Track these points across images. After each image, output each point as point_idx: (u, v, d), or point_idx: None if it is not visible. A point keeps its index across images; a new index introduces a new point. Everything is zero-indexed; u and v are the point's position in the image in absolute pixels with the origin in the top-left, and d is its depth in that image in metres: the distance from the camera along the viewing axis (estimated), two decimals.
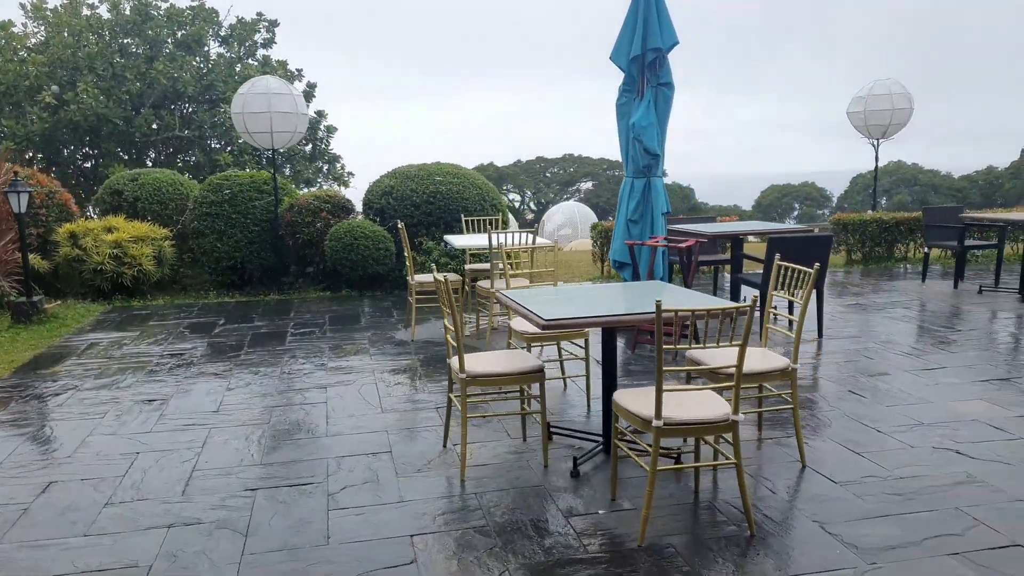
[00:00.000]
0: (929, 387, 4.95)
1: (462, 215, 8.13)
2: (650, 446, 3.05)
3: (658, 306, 2.88)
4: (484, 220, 7.83)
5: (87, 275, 8.67)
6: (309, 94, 25.19)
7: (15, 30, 19.99)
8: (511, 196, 60.88)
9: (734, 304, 3.00)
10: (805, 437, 4.12)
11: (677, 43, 6.52)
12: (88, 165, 22.02)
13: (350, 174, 26.67)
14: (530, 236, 6.12)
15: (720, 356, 3.80)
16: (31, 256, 8.46)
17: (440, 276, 3.67)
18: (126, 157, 21.56)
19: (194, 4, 22.75)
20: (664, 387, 3.14)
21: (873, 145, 11.15)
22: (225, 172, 10.01)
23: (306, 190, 18.04)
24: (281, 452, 4.01)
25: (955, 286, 8.45)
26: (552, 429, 4.24)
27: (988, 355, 5.68)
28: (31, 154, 19.82)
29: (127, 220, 9.50)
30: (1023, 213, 8.91)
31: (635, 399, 3.18)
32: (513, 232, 6.17)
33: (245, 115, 8.68)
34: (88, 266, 8.64)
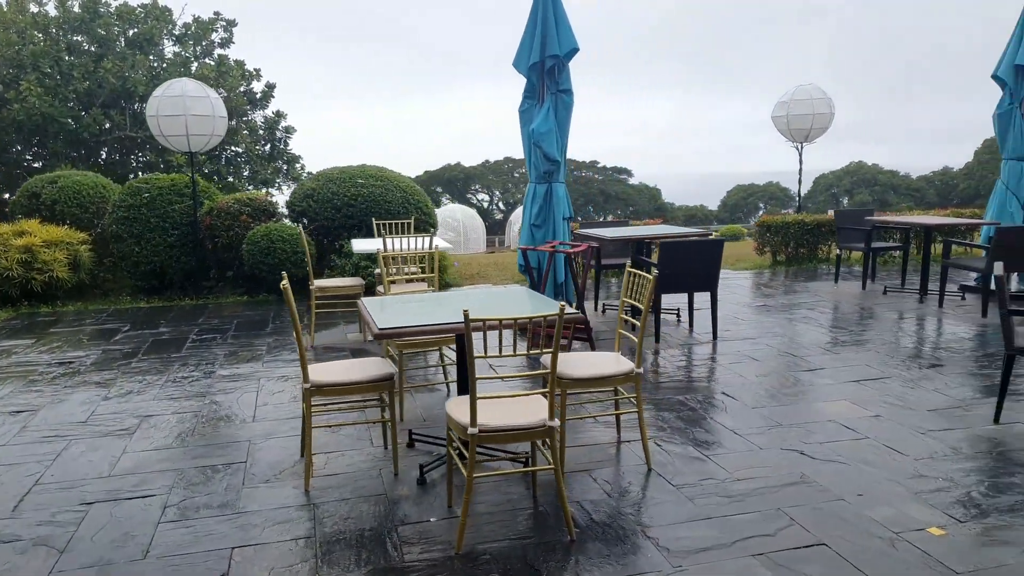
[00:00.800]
0: (802, 389, 5.07)
1: (373, 220, 8.11)
2: (465, 450, 3.09)
3: (466, 315, 2.91)
4: (400, 223, 7.82)
5: None
6: (268, 94, 24.90)
7: None
8: (480, 196, 60.62)
9: (543, 312, 3.04)
10: (663, 439, 4.20)
11: (576, 49, 6.59)
12: (37, 165, 21.51)
13: (309, 174, 26.48)
14: (426, 240, 6.14)
15: (568, 361, 3.85)
16: None
17: (285, 284, 3.66)
18: (75, 156, 21.10)
19: (146, 2, 22.36)
20: (495, 394, 3.18)
21: (796, 148, 11.36)
22: (145, 176, 9.87)
23: (255, 190, 17.80)
24: (135, 463, 3.97)
25: (863, 287, 8.65)
26: (414, 436, 4.27)
27: (869, 355, 5.84)
28: None
29: (43, 224, 9.34)
30: (927, 216, 9.14)
31: (460, 406, 3.22)
32: (411, 237, 6.18)
33: (160, 118, 8.57)
34: None
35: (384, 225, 7.70)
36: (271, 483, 3.72)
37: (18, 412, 4.78)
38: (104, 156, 22.07)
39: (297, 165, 26.11)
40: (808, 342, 6.29)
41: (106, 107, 20.46)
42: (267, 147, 25.31)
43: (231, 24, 24.00)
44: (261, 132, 24.70)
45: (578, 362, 3.88)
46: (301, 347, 3.60)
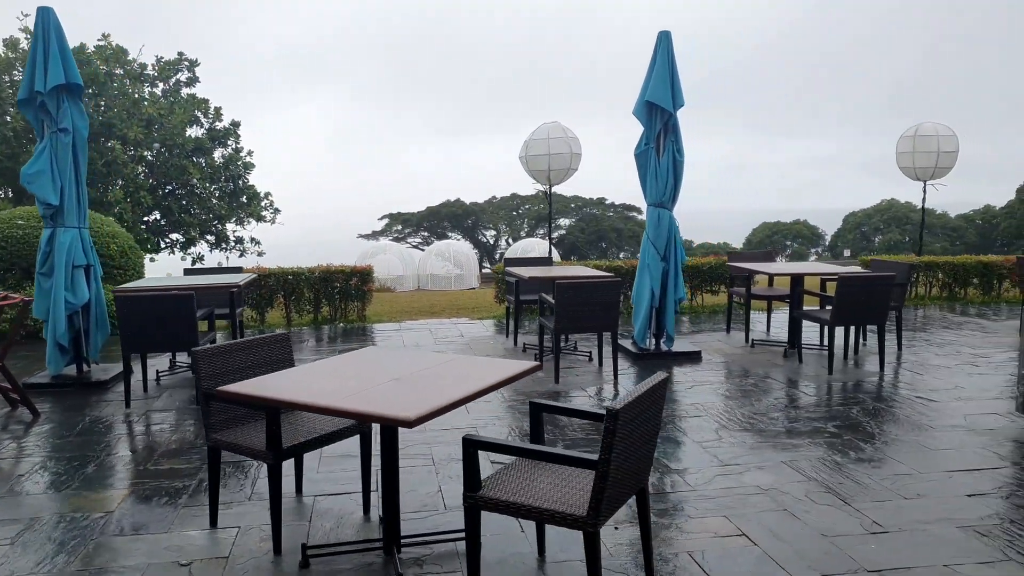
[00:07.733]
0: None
1: None
2: None
3: None
4: None
5: None
6: (231, 131, 24.84)
7: None
8: (489, 233, 59.64)
9: None
10: None
11: (74, 84, 6.08)
12: None
13: (276, 211, 26.09)
14: None
15: None
16: None
17: None
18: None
19: (100, 43, 22.65)
20: None
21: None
22: None
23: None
24: None
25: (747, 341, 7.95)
26: None
27: None
28: None
29: None
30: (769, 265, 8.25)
31: None
32: None
33: None
34: None
35: None
36: None
37: None
38: None
39: (262, 202, 25.54)
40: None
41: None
42: (228, 184, 24.99)
43: (194, 64, 24.23)
44: (220, 169, 24.30)
45: None
46: None
